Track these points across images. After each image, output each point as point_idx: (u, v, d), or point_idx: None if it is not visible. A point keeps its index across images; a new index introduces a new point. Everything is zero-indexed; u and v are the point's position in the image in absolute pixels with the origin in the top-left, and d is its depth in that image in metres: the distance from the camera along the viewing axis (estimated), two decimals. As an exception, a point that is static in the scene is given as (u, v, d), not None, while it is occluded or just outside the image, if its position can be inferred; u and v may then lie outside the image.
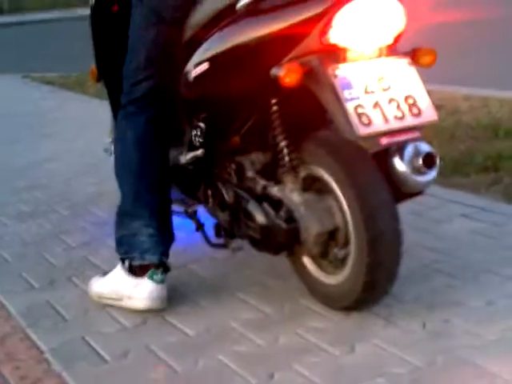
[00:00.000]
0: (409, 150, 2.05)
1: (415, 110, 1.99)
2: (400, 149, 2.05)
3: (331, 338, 2.09)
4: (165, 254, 2.36)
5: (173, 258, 2.40)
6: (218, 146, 2.40)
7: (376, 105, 1.96)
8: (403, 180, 2.06)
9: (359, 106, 1.95)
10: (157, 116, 2.38)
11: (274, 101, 2.18)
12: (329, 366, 1.95)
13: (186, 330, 2.21)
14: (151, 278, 2.32)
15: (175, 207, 2.51)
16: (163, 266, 2.34)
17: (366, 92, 1.97)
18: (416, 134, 2.01)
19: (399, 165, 2.06)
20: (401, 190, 2.08)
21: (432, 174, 2.08)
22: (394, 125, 1.97)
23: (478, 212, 2.93)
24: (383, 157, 2.07)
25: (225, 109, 2.30)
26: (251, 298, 2.36)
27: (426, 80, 2.05)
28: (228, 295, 2.40)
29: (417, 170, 2.05)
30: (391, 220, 2.05)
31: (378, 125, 1.95)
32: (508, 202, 3.04)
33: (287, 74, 1.99)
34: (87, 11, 2.73)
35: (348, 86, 1.96)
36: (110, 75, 2.71)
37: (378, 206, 2.04)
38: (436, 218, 2.91)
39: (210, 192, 2.47)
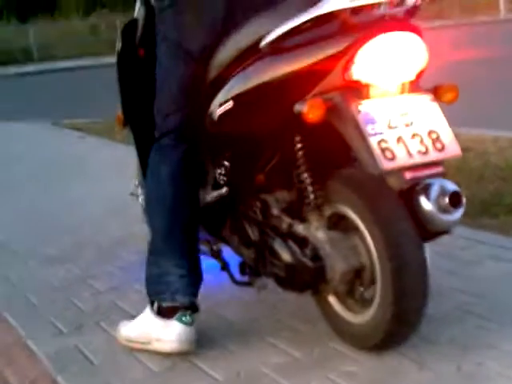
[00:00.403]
0: (435, 189, 2.04)
1: (438, 145, 1.99)
2: (426, 187, 2.04)
3: (363, 382, 2.05)
4: (195, 295, 2.34)
5: (200, 301, 2.37)
6: (242, 185, 2.40)
7: (399, 140, 1.96)
8: (429, 218, 2.04)
9: (383, 140, 1.95)
10: (190, 151, 2.39)
11: (298, 138, 2.18)
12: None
13: (216, 375, 2.18)
14: (180, 320, 2.30)
15: (200, 247, 2.50)
16: (192, 308, 2.33)
17: (390, 127, 1.97)
18: (440, 169, 2.00)
19: (425, 203, 2.04)
20: (427, 229, 2.06)
21: (458, 213, 2.07)
22: (418, 159, 1.96)
23: (508, 253, 2.89)
24: (409, 195, 2.05)
25: (249, 147, 2.31)
26: (281, 342, 2.33)
27: (453, 123, 2.04)
28: (257, 339, 2.37)
29: (443, 209, 2.03)
30: (417, 255, 2.03)
31: (402, 159, 1.95)
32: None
33: (310, 109, 2.00)
34: (114, 59, 2.76)
35: (371, 122, 1.96)
36: (136, 120, 2.73)
37: (403, 242, 2.02)
38: (466, 260, 2.87)
39: (235, 230, 2.46)
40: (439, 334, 2.26)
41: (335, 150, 2.15)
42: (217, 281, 2.67)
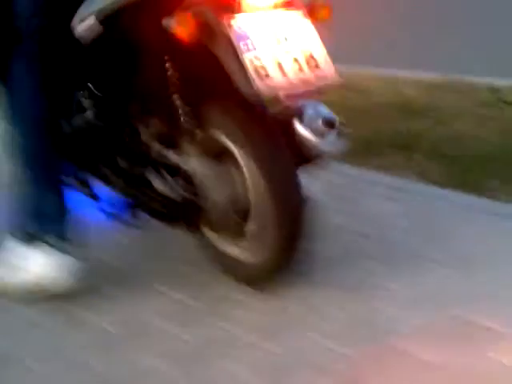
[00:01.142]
0: (308, 112, 2.04)
1: (313, 63, 1.95)
2: (300, 109, 2.03)
3: (254, 327, 2.01)
4: (65, 228, 2.21)
5: (78, 246, 2.20)
6: (112, 111, 2.26)
7: (273, 57, 1.90)
8: (303, 142, 2.03)
9: (256, 58, 1.88)
10: (54, 62, 2.19)
11: (169, 58, 2.06)
12: (254, 357, 1.87)
13: (106, 326, 2.06)
14: (50, 247, 2.17)
15: (70, 182, 2.37)
16: (65, 239, 2.19)
17: (263, 44, 1.90)
18: (314, 88, 1.96)
19: (299, 127, 2.03)
20: (302, 153, 2.05)
21: (332, 137, 2.06)
22: (292, 78, 1.91)
23: (393, 191, 2.91)
24: (283, 116, 2.03)
25: (117, 69, 2.17)
26: (168, 288, 2.24)
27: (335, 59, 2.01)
28: (142, 286, 2.26)
29: (316, 132, 2.02)
30: (292, 183, 2.00)
31: (276, 78, 1.89)
32: (422, 180, 3.03)
33: (179, 24, 1.89)
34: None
35: (244, 38, 1.88)
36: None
37: (278, 169, 1.99)
38: (351, 198, 2.86)
39: (105, 160, 2.32)
40: (327, 276, 2.24)
41: (210, 73, 2.02)
42: (92, 223, 2.49)
